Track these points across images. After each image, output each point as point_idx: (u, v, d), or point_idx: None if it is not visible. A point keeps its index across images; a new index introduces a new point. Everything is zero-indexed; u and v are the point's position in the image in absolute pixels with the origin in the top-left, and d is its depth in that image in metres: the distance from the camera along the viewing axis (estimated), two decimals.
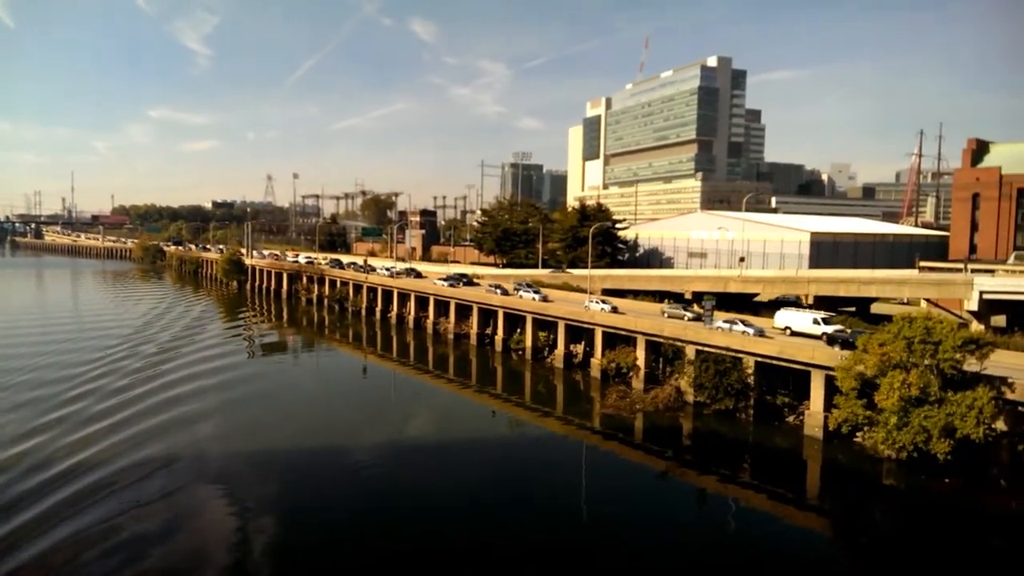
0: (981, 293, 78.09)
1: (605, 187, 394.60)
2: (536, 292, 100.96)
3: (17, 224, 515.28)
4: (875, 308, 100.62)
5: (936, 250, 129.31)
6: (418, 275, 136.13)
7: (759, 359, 64.93)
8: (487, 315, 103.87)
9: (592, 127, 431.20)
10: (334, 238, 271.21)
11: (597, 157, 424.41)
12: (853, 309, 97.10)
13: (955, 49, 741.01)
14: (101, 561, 37.50)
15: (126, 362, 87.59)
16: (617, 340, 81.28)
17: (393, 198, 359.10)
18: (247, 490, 48.97)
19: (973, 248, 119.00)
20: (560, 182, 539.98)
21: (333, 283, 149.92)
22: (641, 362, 76.54)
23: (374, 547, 41.08)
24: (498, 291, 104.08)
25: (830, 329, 66.53)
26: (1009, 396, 48.76)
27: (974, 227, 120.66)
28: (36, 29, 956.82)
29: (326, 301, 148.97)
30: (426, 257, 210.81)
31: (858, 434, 56.11)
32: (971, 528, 45.40)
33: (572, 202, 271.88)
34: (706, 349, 69.40)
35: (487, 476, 53.72)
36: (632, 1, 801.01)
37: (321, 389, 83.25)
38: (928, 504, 48.90)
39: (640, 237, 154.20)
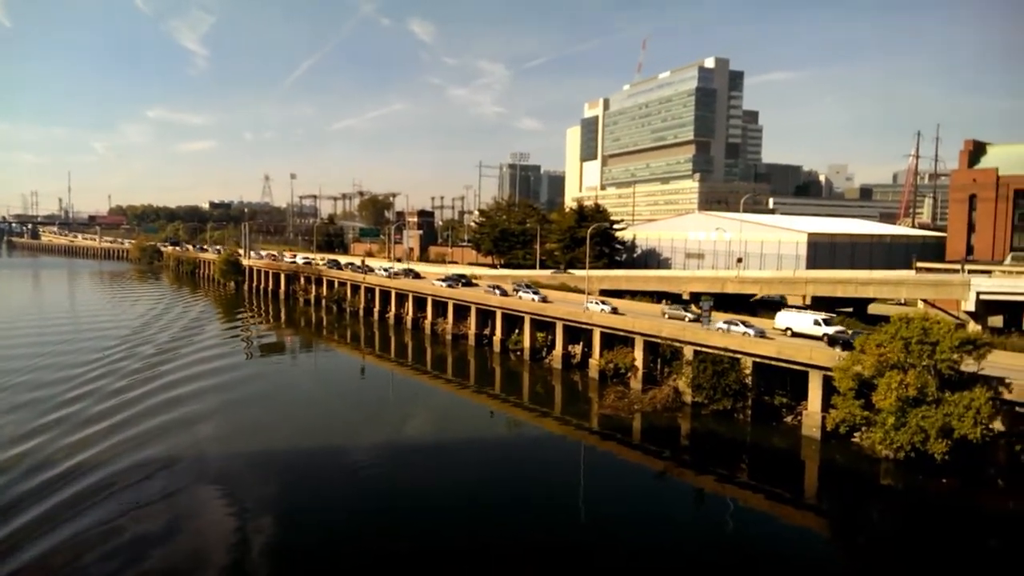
0: (978, 294, 78.29)
1: (603, 188, 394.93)
2: (535, 293, 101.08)
3: (13, 224, 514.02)
4: (872, 309, 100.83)
5: (933, 251, 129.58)
6: (416, 276, 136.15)
7: (757, 360, 65.07)
8: (485, 316, 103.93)
9: (590, 128, 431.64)
10: (332, 239, 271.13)
11: (595, 158, 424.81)
12: (850, 310, 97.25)
13: (953, 51, 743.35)
14: (101, 562, 37.52)
15: (124, 363, 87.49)
16: (615, 341, 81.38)
17: (391, 198, 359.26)
18: (246, 491, 48.97)
19: (970, 249, 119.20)
20: (558, 183, 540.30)
21: (331, 284, 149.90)
22: (639, 363, 76.64)
23: (373, 547, 41.13)
24: (497, 292, 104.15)
25: (831, 330, 66.66)
26: (1006, 396, 48.90)
27: (971, 228, 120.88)
28: (33, 29, 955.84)
29: (324, 302, 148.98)
30: (424, 258, 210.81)
31: (856, 434, 56.24)
32: (968, 528, 45.53)
33: (570, 203, 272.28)
34: (704, 350, 69.50)
35: (485, 476, 53.78)
36: (631, 2, 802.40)
37: (319, 390, 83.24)
38: (925, 504, 49.04)
39: (638, 238, 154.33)
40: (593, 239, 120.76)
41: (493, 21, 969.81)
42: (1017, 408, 49.26)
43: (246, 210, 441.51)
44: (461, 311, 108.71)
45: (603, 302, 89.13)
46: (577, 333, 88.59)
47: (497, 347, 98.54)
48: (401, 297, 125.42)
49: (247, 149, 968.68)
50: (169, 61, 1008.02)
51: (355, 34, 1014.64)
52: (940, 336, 50.13)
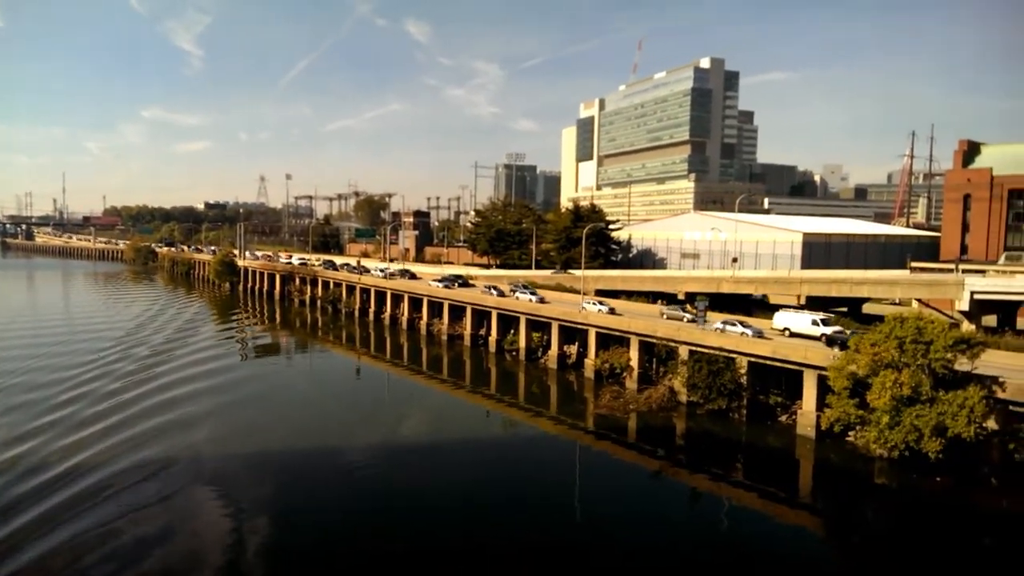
0: (972, 293, 78.52)
1: (599, 188, 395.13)
2: (532, 293, 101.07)
3: (8, 225, 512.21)
4: (867, 308, 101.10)
5: (927, 251, 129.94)
6: (412, 276, 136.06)
7: (752, 359, 65.19)
8: (481, 316, 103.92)
9: (586, 128, 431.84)
10: (327, 239, 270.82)
11: (591, 158, 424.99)
12: (845, 309, 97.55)
13: (951, 51, 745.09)
14: (99, 564, 37.47)
15: (119, 365, 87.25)
16: (611, 341, 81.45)
17: (387, 199, 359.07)
18: (243, 492, 48.91)
19: (964, 249, 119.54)
20: (554, 183, 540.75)
21: (326, 284, 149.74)
22: (634, 362, 76.72)
23: (368, 547, 41.12)
24: (494, 292, 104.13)
25: (829, 330, 66.66)
26: (1000, 395, 49.09)
27: (965, 228, 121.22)
28: (27, 29, 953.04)
29: (319, 302, 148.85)
30: (419, 258, 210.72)
31: (850, 433, 56.41)
32: (962, 526, 45.71)
33: (566, 203, 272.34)
34: (699, 349, 69.59)
35: (481, 476, 53.79)
36: (626, 3, 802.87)
37: (315, 391, 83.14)
38: (919, 503, 49.19)
39: (633, 238, 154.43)
40: (589, 239, 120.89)
41: (488, 22, 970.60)
42: (1011, 407, 49.43)
43: (241, 211, 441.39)
44: (457, 311, 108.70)
45: (600, 302, 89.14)
46: (573, 333, 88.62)
47: (493, 347, 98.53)
48: (397, 298, 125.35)
49: (242, 150, 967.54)
50: (164, 61, 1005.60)
51: (351, 34, 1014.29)
52: (934, 335, 50.32)
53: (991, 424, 48.85)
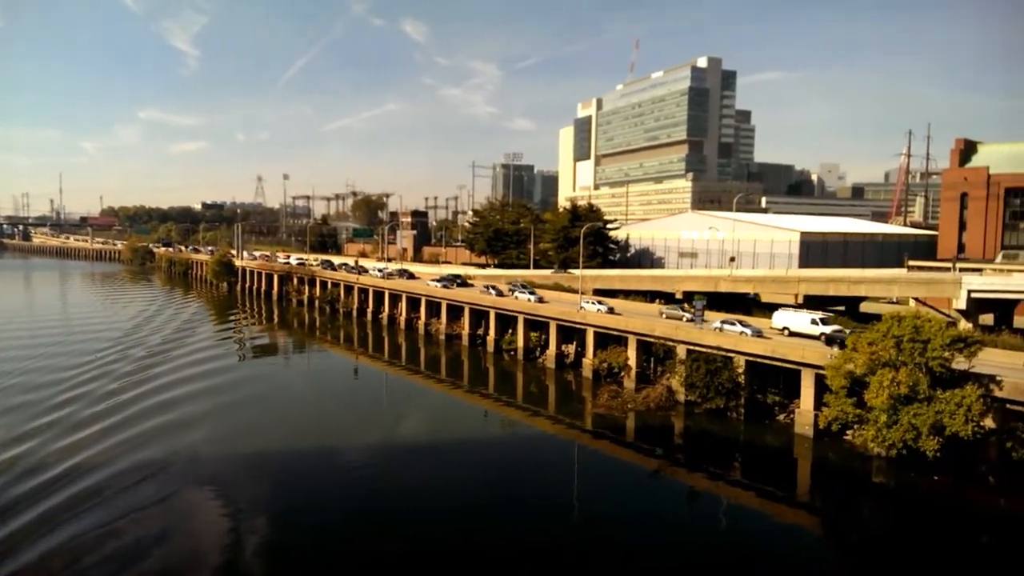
0: (969, 292, 78.60)
1: (596, 187, 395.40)
2: (532, 293, 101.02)
3: (4, 226, 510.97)
4: (864, 307, 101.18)
5: (925, 249, 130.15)
6: (411, 276, 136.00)
7: (750, 358, 65.26)
8: (479, 316, 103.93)
9: (583, 128, 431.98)
10: (325, 239, 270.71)
11: (588, 158, 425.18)
12: (843, 308, 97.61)
13: (947, 51, 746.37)
14: (98, 565, 37.44)
15: (116, 365, 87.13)
16: (608, 340, 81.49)
17: (384, 199, 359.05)
18: (241, 493, 48.88)
19: (961, 247, 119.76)
20: (551, 183, 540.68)
21: (324, 284, 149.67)
22: (632, 362, 76.77)
23: (367, 547, 41.12)
24: (493, 292, 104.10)
25: (828, 329, 66.67)
26: (997, 394, 49.16)
27: (962, 226, 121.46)
28: (23, 30, 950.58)
29: (317, 302, 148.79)
30: (417, 258, 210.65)
31: (848, 432, 56.49)
32: (960, 525, 45.81)
33: (563, 202, 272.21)
34: (697, 348, 69.67)
35: (479, 476, 53.79)
36: (624, 3, 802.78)
37: (313, 391, 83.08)
38: (917, 501, 49.26)
39: (631, 237, 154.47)
40: (587, 239, 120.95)
41: (486, 21, 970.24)
42: (1008, 405, 49.50)
43: (239, 211, 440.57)
44: (455, 311, 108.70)
45: (600, 302, 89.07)
46: (571, 333, 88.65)
47: (491, 347, 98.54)
48: (395, 297, 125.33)
49: (240, 150, 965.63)
50: (161, 62, 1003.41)
51: (347, 34, 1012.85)
52: (931, 334, 50.40)
53: (988, 423, 48.96)
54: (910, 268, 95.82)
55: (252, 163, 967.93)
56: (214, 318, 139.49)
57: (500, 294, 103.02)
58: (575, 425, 68.14)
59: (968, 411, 46.94)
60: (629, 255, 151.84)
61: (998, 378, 49.60)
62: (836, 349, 59.70)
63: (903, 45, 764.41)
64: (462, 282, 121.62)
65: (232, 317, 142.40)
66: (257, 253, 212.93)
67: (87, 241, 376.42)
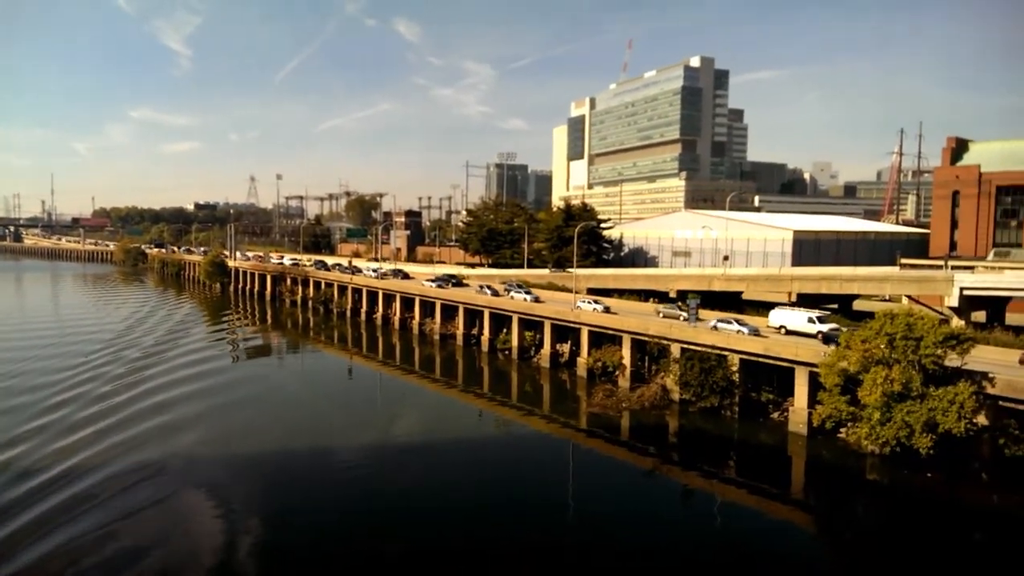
0: (961, 289, 79.00)
1: (590, 187, 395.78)
2: (527, 293, 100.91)
3: None
4: (857, 305, 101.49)
5: (917, 247, 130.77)
6: (405, 276, 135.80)
7: (744, 356, 65.40)
8: (473, 315, 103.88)
9: (576, 127, 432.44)
10: (318, 239, 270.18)
11: (582, 157, 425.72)
12: (836, 306, 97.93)
13: (943, 49, 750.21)
14: (94, 568, 37.28)
15: (109, 367, 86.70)
16: (603, 339, 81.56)
17: (378, 199, 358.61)
18: (236, 494, 48.74)
19: (953, 245, 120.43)
20: (545, 182, 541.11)
21: (318, 285, 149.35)
22: (627, 361, 76.84)
23: (363, 548, 41.07)
24: (488, 291, 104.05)
25: (826, 328, 66.57)
26: (990, 391, 49.42)
27: (954, 224, 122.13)
28: (13, 29, 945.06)
29: (311, 303, 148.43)
30: (411, 258, 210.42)
31: (842, 430, 56.69)
32: (953, 522, 46.00)
33: (557, 202, 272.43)
34: (691, 347, 69.80)
35: (474, 476, 53.73)
36: (616, 3, 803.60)
37: (307, 391, 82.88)
38: (911, 498, 49.44)
39: (625, 236, 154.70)
40: (581, 238, 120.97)
41: (479, 21, 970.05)
42: (1000, 402, 49.75)
43: (232, 211, 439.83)
44: (449, 311, 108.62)
45: (596, 301, 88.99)
46: (565, 332, 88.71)
47: (485, 347, 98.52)
48: (388, 298, 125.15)
49: (232, 150, 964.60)
50: (153, 62, 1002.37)
51: (340, 35, 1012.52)
52: (924, 332, 50.62)
53: (981, 420, 49.19)
54: (902, 266, 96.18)
55: (245, 163, 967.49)
56: (207, 319, 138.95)
57: (496, 294, 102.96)
58: (570, 424, 68.16)
59: (961, 408, 47.16)
60: (623, 254, 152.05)
61: (990, 375, 49.84)
62: (833, 347, 59.83)
63: (899, 43, 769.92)
64: (457, 282, 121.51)
65: (225, 318, 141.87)
66: (250, 254, 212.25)
67: (79, 242, 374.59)
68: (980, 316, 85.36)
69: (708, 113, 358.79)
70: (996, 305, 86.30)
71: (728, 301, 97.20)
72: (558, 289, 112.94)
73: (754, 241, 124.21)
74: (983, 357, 55.33)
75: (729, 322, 71.14)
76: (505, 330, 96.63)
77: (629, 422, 66.93)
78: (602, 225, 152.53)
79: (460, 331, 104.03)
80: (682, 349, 70.67)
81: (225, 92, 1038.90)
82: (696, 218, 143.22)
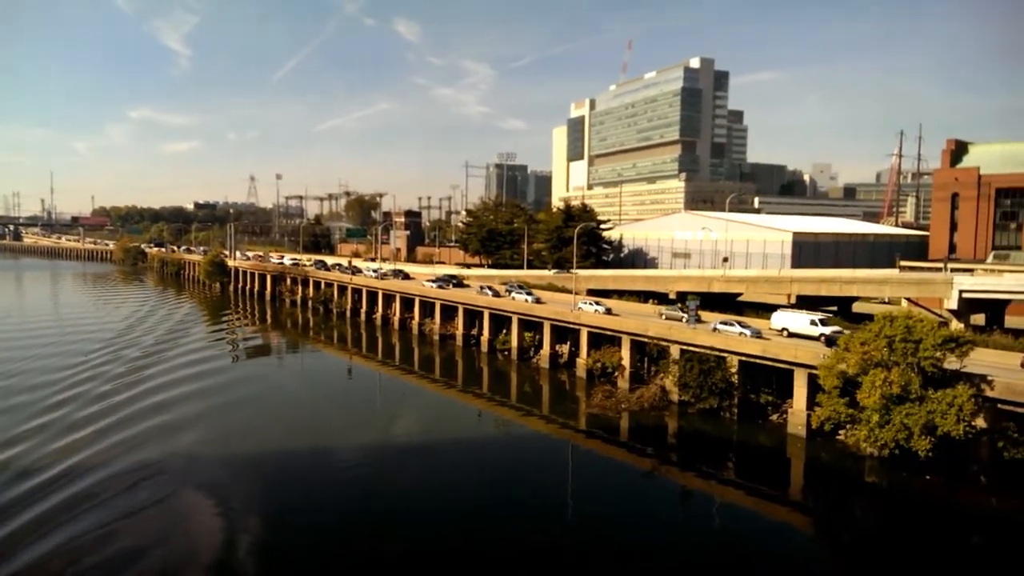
0: (961, 292, 79.03)
1: (590, 187, 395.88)
2: (528, 293, 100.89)
3: None
4: (856, 307, 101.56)
5: (916, 250, 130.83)
6: (406, 276, 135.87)
7: (743, 358, 65.46)
8: (473, 316, 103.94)
9: (576, 128, 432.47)
10: (318, 239, 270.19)
11: (581, 158, 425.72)
12: (835, 308, 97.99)
13: (943, 50, 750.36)
14: (95, 567, 37.37)
15: (110, 367, 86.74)
16: (602, 340, 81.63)
17: (377, 199, 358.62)
18: (236, 493, 48.82)
19: (952, 247, 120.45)
20: (545, 183, 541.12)
21: (317, 284, 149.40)
22: (626, 362, 76.90)
23: (362, 547, 41.16)
24: (489, 292, 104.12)
25: (828, 330, 66.19)
26: (989, 393, 49.46)
27: (953, 227, 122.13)
28: (15, 28, 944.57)
29: (310, 303, 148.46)
30: (411, 258, 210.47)
31: (840, 432, 56.77)
32: (951, 525, 46.10)
33: (557, 202, 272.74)
34: (690, 348, 69.86)
35: (474, 476, 53.81)
36: (616, 3, 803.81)
37: (307, 391, 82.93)
38: (909, 501, 49.50)
39: (625, 237, 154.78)
40: (580, 239, 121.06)
41: (479, 21, 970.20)
42: (999, 405, 49.80)
43: (231, 211, 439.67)
44: (449, 311, 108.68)
45: (597, 302, 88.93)
46: (564, 333, 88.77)
47: (485, 347, 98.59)
48: (388, 298, 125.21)
49: (232, 149, 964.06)
50: (152, 61, 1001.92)
51: (340, 34, 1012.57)
52: (923, 334, 50.67)
53: (980, 422, 49.23)
54: (902, 268, 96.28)
55: (244, 163, 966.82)
56: (207, 319, 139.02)
57: (496, 294, 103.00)
58: (569, 425, 68.24)
59: (960, 411, 47.21)
60: (622, 255, 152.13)
61: (989, 378, 49.88)
62: (832, 350, 59.81)
63: (899, 45, 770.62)
64: (458, 282, 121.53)
65: (225, 318, 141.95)
66: (250, 253, 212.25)
67: (79, 241, 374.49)
68: (979, 319, 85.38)
69: (708, 114, 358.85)
70: (995, 308, 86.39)
71: (727, 303, 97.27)
72: (558, 290, 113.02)
73: (753, 243, 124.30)
74: (982, 360, 55.35)
75: (731, 324, 71.03)
76: (504, 331, 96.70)
77: (628, 423, 67.00)
78: (602, 226, 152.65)
79: (460, 331, 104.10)
80: (681, 350, 70.73)
81: (224, 91, 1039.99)
82: (696, 219, 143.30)
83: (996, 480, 49.18)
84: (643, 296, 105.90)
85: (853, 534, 46.10)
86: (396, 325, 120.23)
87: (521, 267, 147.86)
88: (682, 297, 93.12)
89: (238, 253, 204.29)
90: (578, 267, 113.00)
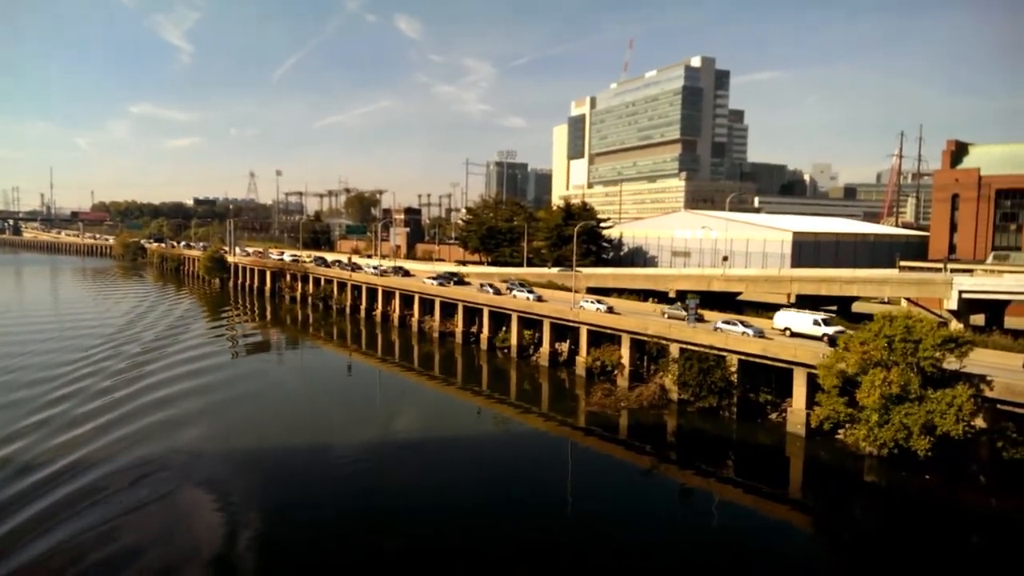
0: (960, 292, 79.16)
1: (590, 186, 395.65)
2: (530, 292, 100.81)
3: None
4: (856, 307, 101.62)
5: (916, 250, 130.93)
6: (406, 273, 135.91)
7: (742, 357, 65.53)
8: (472, 313, 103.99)
9: (577, 126, 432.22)
10: (318, 236, 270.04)
11: (582, 156, 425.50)
12: (835, 308, 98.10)
13: (944, 51, 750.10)
14: (96, 563, 37.40)
15: (109, 362, 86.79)
16: (602, 338, 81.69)
17: (377, 196, 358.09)
18: (236, 490, 48.90)
19: (952, 248, 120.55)
20: (545, 181, 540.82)
21: (317, 281, 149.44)
22: (626, 360, 76.98)
23: (361, 544, 41.25)
24: (490, 290, 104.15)
25: (831, 330, 66.12)
26: (988, 394, 49.56)
27: (953, 227, 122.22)
28: (17, 23, 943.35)
29: (310, 299, 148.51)
30: (411, 255, 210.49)
31: (840, 431, 56.88)
32: (950, 524, 46.19)
33: (557, 201, 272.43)
34: (690, 347, 69.93)
35: (473, 473, 53.91)
36: (617, 3, 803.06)
37: (306, 388, 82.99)
38: (908, 500, 49.61)
39: (625, 236, 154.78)
40: (580, 237, 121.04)
41: (480, 19, 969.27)
42: (999, 405, 49.90)
43: (231, 207, 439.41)
44: (448, 309, 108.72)
45: (599, 301, 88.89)
46: (564, 331, 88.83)
47: (484, 345, 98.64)
48: (388, 295, 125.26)
49: (232, 146, 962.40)
50: (153, 57, 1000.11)
51: (341, 31, 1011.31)
52: (923, 334, 50.76)
53: (979, 422, 49.33)
54: (902, 268, 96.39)
55: (245, 159, 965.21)
56: (207, 315, 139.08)
57: (498, 292, 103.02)
58: (568, 423, 68.33)
59: (959, 411, 47.31)
60: (622, 254, 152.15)
61: (989, 378, 49.99)
62: (832, 349, 59.87)
63: (900, 46, 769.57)
64: (459, 280, 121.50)
65: (225, 314, 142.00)
66: (250, 249, 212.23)
67: (78, 236, 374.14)
68: (979, 319, 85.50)
69: (708, 113, 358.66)
70: (995, 308, 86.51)
71: (726, 302, 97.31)
72: (558, 288, 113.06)
73: (753, 242, 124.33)
74: (981, 360, 55.43)
75: (734, 324, 70.97)
76: (504, 328, 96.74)
77: (627, 421, 67.09)
78: (602, 224, 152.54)
79: (459, 329, 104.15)
80: (681, 349, 70.79)
81: (225, 88, 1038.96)
82: (696, 218, 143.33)
83: (995, 480, 49.27)
84: (642, 295, 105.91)
85: (852, 533, 46.21)
86: (396, 322, 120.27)
87: (521, 265, 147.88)
88: (682, 296, 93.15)
89: (238, 249, 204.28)
90: (578, 265, 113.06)
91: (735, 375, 66.03)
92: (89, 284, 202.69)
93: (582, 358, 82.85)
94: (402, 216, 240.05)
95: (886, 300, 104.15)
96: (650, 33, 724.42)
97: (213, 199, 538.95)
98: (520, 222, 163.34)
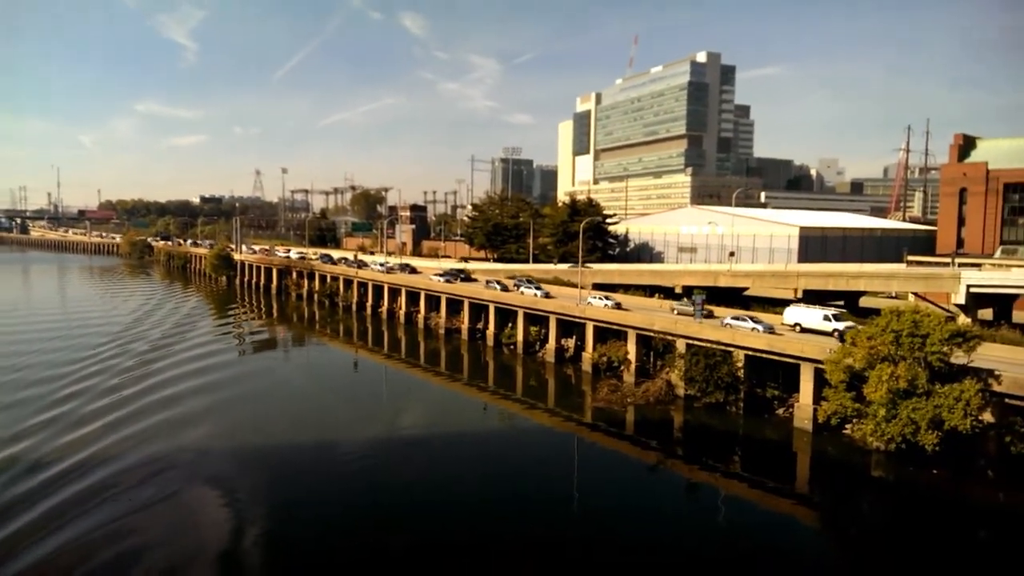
0: (968, 287, 78.87)
1: (595, 182, 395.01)
2: (537, 288, 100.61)
3: (2, 219, 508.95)
4: (863, 302, 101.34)
5: (923, 244, 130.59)
6: (413, 270, 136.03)
7: (749, 352, 65.37)
8: (478, 310, 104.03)
9: (582, 122, 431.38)
10: (324, 233, 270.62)
11: (587, 152, 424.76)
12: (842, 303, 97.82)
13: (949, 46, 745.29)
14: (105, 561, 37.54)
15: (117, 360, 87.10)
16: (608, 334, 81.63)
17: (383, 193, 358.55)
18: (244, 487, 49.09)
19: (960, 242, 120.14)
20: (550, 177, 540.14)
21: (323, 278, 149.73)
22: (632, 356, 76.92)
23: (368, 540, 41.34)
24: (497, 287, 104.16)
25: (841, 326, 65.81)
26: (996, 388, 49.34)
27: (961, 222, 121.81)
28: (19, 21, 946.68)
29: (316, 297, 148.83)
30: (416, 252, 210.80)
31: (847, 426, 56.71)
32: (959, 519, 46.01)
33: (562, 197, 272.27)
34: (696, 343, 69.80)
35: (479, 469, 53.98)
36: (619, 0, 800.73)
37: (313, 385, 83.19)
38: (916, 495, 49.45)
39: (631, 232, 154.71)
40: (586, 233, 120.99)
41: (485, 16, 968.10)
42: (1007, 400, 49.68)
43: (237, 205, 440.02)
44: (454, 305, 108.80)
45: (606, 297, 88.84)
46: (570, 327, 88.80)
47: (490, 341, 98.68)
48: (394, 292, 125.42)
49: (238, 143, 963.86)
50: (158, 55, 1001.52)
51: (346, 28, 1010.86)
52: (930, 329, 50.54)
53: (987, 417, 49.16)
54: (909, 263, 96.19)
55: (250, 157, 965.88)
56: (214, 312, 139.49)
57: (504, 289, 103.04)
58: (574, 418, 68.35)
59: (967, 405, 47.08)
60: (628, 249, 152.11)
61: (997, 372, 49.79)
62: (839, 344, 59.63)
63: (906, 40, 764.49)
64: (466, 277, 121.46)
65: (231, 311, 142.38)
66: (256, 247, 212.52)
67: (85, 235, 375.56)
68: (987, 314, 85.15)
69: (714, 109, 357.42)
70: (1003, 302, 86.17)
71: (733, 297, 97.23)
72: (564, 284, 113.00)
73: (760, 237, 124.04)
74: (989, 355, 55.23)
75: (743, 319, 70.76)
76: (510, 325, 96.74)
77: (634, 417, 67.06)
78: (607, 220, 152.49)
79: (465, 325, 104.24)
80: (687, 345, 70.66)
81: (230, 86, 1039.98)
82: (702, 214, 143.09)
83: (1003, 475, 49.05)
84: (649, 290, 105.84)
85: (859, 528, 46.09)
86: (402, 319, 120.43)
87: (526, 261, 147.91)
88: (688, 291, 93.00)
89: (244, 247, 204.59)
90: (584, 261, 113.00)
91: (742, 371, 65.90)
92: (96, 282, 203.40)
93: (588, 354, 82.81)
94: (408, 213, 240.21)
95: (893, 295, 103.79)
96: (651, 30, 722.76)
97: (219, 197, 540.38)
98: (526, 219, 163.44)
